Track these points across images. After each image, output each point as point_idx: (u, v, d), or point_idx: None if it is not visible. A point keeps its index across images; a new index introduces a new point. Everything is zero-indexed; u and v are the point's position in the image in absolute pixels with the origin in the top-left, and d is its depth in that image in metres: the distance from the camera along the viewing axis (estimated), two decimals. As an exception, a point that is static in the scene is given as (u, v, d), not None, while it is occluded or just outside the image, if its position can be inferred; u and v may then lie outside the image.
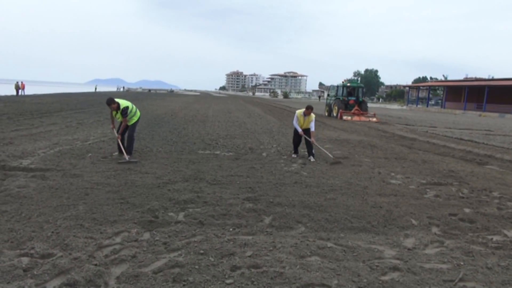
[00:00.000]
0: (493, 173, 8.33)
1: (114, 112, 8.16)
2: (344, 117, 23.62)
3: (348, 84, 26.33)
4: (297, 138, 9.37)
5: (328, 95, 29.01)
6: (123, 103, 8.07)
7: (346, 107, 24.92)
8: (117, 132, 8.18)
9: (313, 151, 9.16)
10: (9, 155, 7.68)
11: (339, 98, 25.73)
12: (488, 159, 10.31)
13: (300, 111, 9.25)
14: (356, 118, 23.48)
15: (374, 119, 23.41)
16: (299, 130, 9.15)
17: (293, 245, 3.93)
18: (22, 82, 39.41)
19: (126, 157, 7.79)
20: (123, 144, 8.03)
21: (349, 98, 25.43)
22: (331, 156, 9.13)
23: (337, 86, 27.13)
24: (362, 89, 26.96)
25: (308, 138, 9.16)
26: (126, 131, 8.24)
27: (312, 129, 9.11)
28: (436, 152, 11.16)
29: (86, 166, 7.20)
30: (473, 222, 4.96)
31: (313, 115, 9.21)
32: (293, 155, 9.38)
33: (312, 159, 8.96)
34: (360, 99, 25.62)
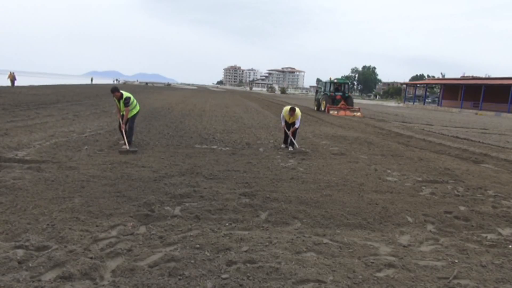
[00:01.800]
0: (489, 172, 8.38)
1: (116, 101, 8.72)
2: (331, 112, 24.93)
3: (335, 81, 27.79)
4: (286, 132, 10.17)
5: (317, 91, 30.84)
6: (125, 93, 8.65)
7: (333, 102, 26.34)
8: (122, 122, 8.69)
9: (295, 142, 9.93)
10: (5, 146, 7.62)
11: (327, 94, 27.14)
12: (483, 157, 10.35)
13: (286, 109, 9.95)
14: (342, 112, 24.88)
15: (359, 114, 24.91)
16: (283, 123, 10.09)
17: (289, 241, 3.94)
18: (10, 73, 38.44)
19: (127, 146, 8.28)
20: (126, 135, 8.56)
21: (336, 93, 26.90)
22: (298, 147, 9.75)
23: (325, 83, 28.69)
24: (348, 85, 28.64)
25: (287, 131, 9.99)
26: (128, 122, 8.74)
27: (296, 126, 9.84)
28: (432, 150, 11.20)
29: (82, 158, 7.17)
30: (468, 220, 4.99)
31: (298, 115, 9.83)
32: (282, 145, 10.16)
33: (290, 148, 9.75)
34: (346, 95, 27.17)
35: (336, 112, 24.73)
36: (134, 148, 8.30)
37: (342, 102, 25.90)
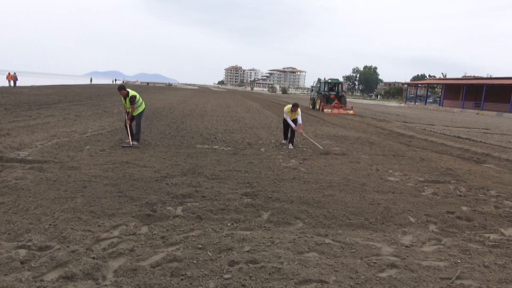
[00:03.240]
0: (491, 172, 8.36)
1: (122, 99, 9.03)
2: (325, 110, 26.22)
3: (329, 81, 29.11)
4: (285, 128, 10.63)
5: (312, 90, 32.43)
6: (131, 92, 9.00)
7: (328, 100, 27.69)
8: (127, 118, 9.05)
9: (294, 140, 10.33)
10: (7, 146, 7.64)
11: (321, 93, 28.47)
12: (485, 157, 10.33)
13: (288, 107, 10.32)
14: (335, 111, 26.17)
15: (351, 112, 26.15)
16: (292, 124, 10.13)
17: (291, 241, 3.94)
18: (9, 73, 38.22)
19: (130, 142, 8.70)
20: (130, 130, 8.91)
21: (330, 92, 28.30)
22: (321, 147, 10.05)
23: (320, 82, 30.14)
24: (341, 85, 30.03)
25: (292, 126, 10.17)
26: (134, 119, 9.13)
27: (299, 121, 10.16)
28: (434, 150, 11.18)
29: (84, 158, 7.17)
30: (471, 220, 4.97)
31: (299, 110, 10.31)
32: (283, 141, 10.61)
33: (291, 146, 10.08)
34: (340, 94, 28.44)
35: (330, 110, 25.99)
36: (137, 145, 8.69)
37: (336, 101, 27.19)
